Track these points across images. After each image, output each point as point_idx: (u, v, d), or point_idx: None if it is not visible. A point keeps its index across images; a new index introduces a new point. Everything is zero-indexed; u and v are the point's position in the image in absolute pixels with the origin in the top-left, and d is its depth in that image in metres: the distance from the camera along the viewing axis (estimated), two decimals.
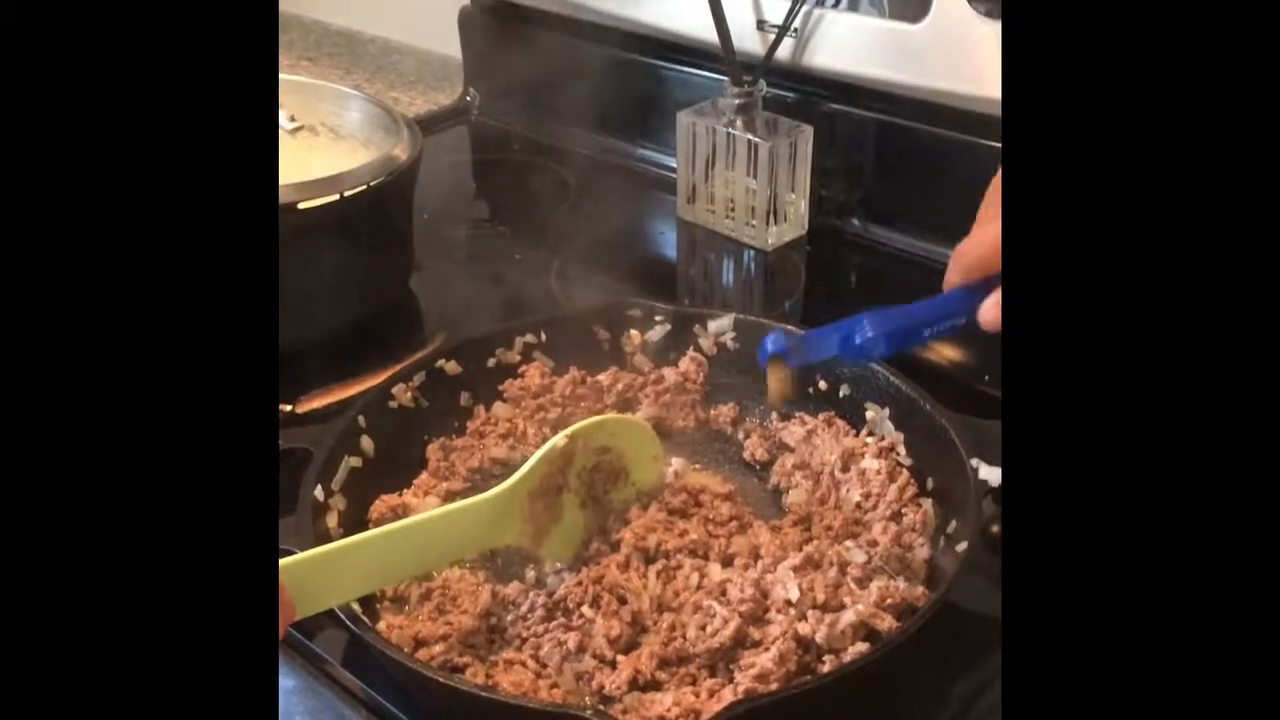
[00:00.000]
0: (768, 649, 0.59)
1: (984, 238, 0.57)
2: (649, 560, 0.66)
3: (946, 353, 0.88)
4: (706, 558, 0.66)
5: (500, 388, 0.79)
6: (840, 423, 0.76)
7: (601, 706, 0.58)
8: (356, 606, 0.61)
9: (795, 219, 1.04)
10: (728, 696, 0.57)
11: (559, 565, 0.67)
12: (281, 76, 0.99)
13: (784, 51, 1.00)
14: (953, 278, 0.59)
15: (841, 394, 0.77)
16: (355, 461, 0.70)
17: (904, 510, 0.69)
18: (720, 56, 1.00)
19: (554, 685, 0.59)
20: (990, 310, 0.58)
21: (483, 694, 0.56)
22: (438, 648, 0.61)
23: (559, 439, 0.66)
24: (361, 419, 0.72)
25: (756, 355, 0.68)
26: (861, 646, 0.59)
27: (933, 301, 0.61)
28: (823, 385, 0.78)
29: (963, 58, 0.91)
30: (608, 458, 0.69)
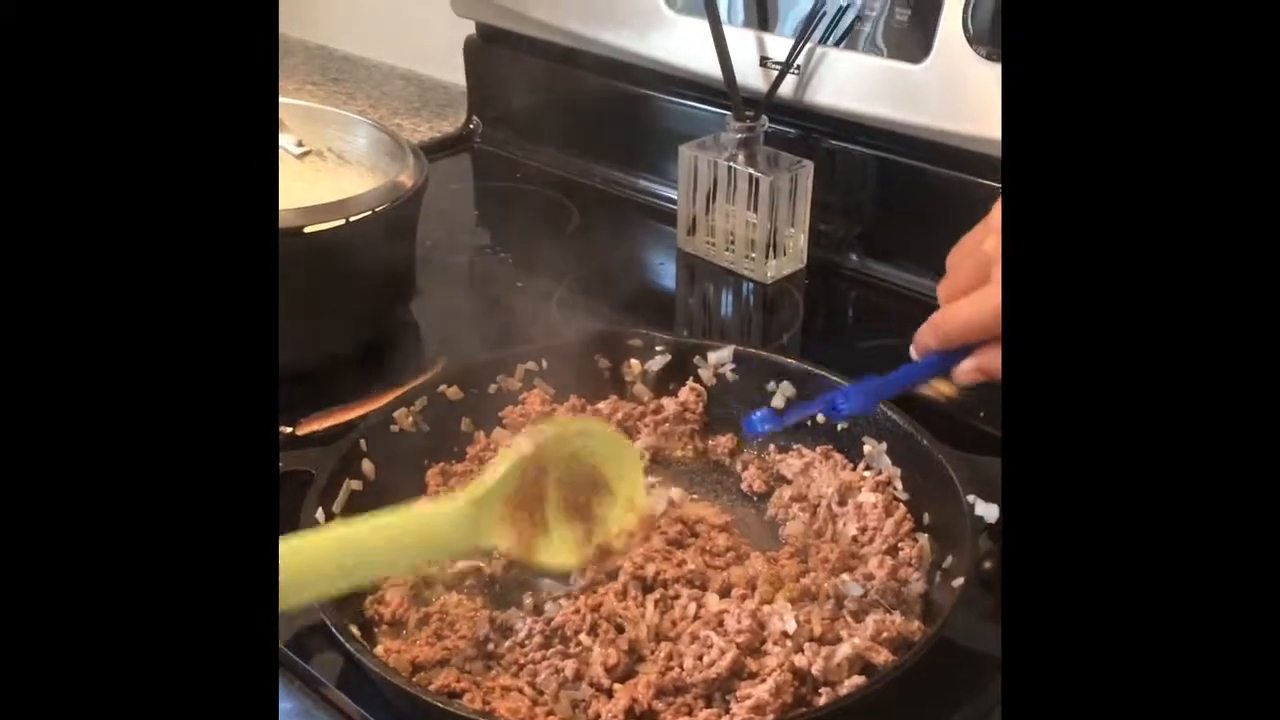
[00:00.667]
0: (764, 680, 0.59)
1: (966, 313, 0.58)
2: (646, 589, 0.66)
3: (943, 389, 0.89)
4: (704, 588, 0.66)
5: (501, 414, 0.80)
6: (838, 456, 0.77)
7: None
8: (355, 629, 0.61)
9: (794, 253, 1.05)
10: None
11: (556, 593, 0.67)
12: (290, 101, 1.00)
13: (786, 88, 1.01)
14: (930, 344, 0.60)
15: (839, 427, 0.78)
16: (356, 485, 0.70)
17: (900, 545, 0.69)
18: (723, 91, 1.02)
19: (550, 713, 0.60)
20: (968, 374, 0.59)
21: None
22: (435, 672, 0.61)
23: (524, 443, 0.64)
24: (363, 443, 0.72)
25: (743, 426, 0.70)
26: (858, 679, 0.59)
27: (911, 370, 0.62)
28: (821, 419, 0.78)
29: (963, 98, 0.92)
30: (581, 468, 0.66)
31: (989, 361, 0.58)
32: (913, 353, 0.61)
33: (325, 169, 0.95)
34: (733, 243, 1.05)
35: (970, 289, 0.58)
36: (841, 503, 0.73)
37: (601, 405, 0.81)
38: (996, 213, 0.58)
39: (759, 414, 0.68)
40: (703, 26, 1.01)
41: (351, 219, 0.84)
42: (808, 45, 0.99)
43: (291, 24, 1.61)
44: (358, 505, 0.70)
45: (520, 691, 0.60)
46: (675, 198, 1.09)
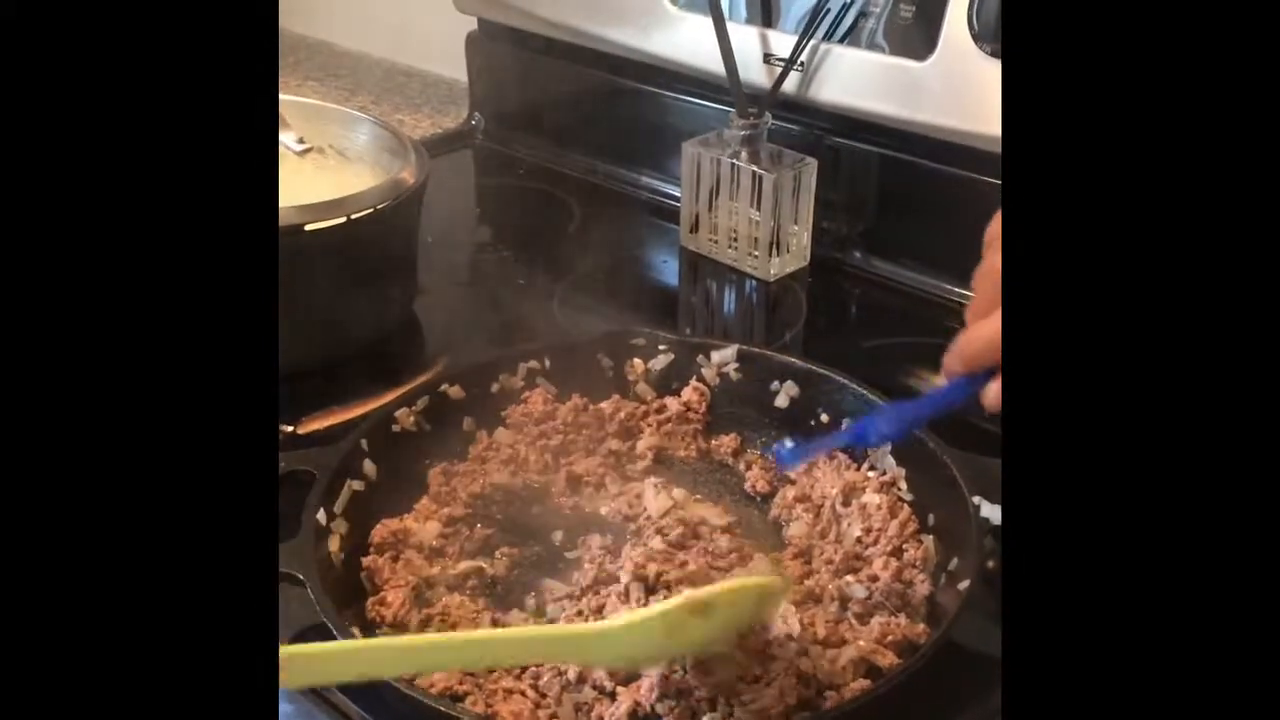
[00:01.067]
0: (769, 684, 0.58)
1: (985, 333, 0.57)
2: (649, 591, 0.66)
3: None
4: None
5: (503, 413, 0.79)
6: (842, 456, 0.76)
7: None
8: (356, 631, 0.61)
9: (797, 251, 1.04)
10: None
11: (558, 594, 0.67)
12: (291, 98, 0.99)
13: (790, 85, 1.00)
14: (955, 367, 0.59)
15: (844, 428, 0.77)
16: (357, 485, 0.70)
17: (905, 546, 0.69)
18: (726, 88, 1.01)
19: (553, 715, 0.59)
20: (995, 398, 0.58)
21: None
22: (437, 675, 0.61)
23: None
24: (364, 442, 0.72)
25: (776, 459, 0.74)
26: (863, 683, 0.59)
27: (937, 395, 0.61)
28: (825, 419, 0.78)
29: (968, 96, 0.91)
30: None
31: None
32: (942, 378, 0.60)
33: (326, 166, 0.94)
34: (736, 240, 1.04)
35: (990, 310, 0.57)
36: (846, 504, 0.73)
37: (604, 404, 0.81)
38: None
39: (789, 448, 0.71)
40: (706, 23, 1.00)
41: (353, 216, 0.83)
42: (811, 42, 0.98)
43: (292, 19, 1.61)
44: (359, 505, 0.69)
45: (523, 694, 0.60)
46: (678, 195, 1.09)
